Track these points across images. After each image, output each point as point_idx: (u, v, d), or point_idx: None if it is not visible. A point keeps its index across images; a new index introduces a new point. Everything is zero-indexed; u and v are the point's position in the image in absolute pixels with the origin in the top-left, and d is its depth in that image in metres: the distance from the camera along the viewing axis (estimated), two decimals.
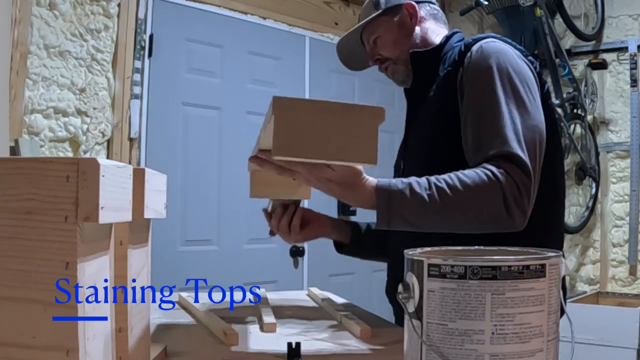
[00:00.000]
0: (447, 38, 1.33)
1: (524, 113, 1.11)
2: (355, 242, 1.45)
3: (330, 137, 0.88)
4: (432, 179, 1.05)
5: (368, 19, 1.36)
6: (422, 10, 1.36)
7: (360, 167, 1.02)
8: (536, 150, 1.10)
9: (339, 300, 1.52)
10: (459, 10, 3.61)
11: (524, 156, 1.07)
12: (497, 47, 1.18)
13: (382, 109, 0.91)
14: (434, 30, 1.36)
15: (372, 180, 1.05)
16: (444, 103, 1.20)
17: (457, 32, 1.35)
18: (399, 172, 1.39)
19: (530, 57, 1.23)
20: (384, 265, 1.48)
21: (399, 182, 1.05)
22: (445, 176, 1.05)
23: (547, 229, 1.20)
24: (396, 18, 1.34)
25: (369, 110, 0.92)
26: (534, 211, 1.08)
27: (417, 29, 1.35)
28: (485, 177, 1.03)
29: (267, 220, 1.37)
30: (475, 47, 1.19)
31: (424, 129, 1.27)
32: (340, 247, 1.48)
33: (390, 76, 1.40)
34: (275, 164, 0.99)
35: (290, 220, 1.33)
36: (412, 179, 1.05)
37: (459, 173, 1.06)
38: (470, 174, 1.05)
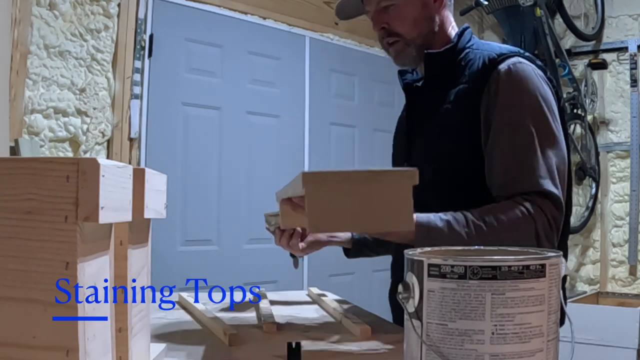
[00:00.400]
0: (459, 36, 1.26)
1: (554, 146, 1.12)
2: (358, 245, 1.46)
3: (364, 207, 0.87)
4: (470, 215, 1.08)
5: None
6: None
7: None
8: (564, 181, 1.14)
9: (338, 299, 1.52)
10: (459, 10, 3.61)
11: (557, 192, 1.10)
12: (525, 72, 1.15)
13: (415, 171, 0.87)
14: (450, 21, 1.30)
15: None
16: (462, 122, 1.18)
17: (467, 28, 1.29)
18: None
19: (549, 75, 1.21)
20: (384, 265, 1.48)
21: (438, 219, 1.07)
22: (482, 211, 1.08)
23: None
24: None
25: (400, 175, 0.89)
26: None
27: (440, 13, 1.26)
28: (520, 214, 1.07)
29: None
30: (502, 69, 1.15)
31: (436, 141, 1.22)
32: (347, 252, 1.50)
33: (393, 54, 1.28)
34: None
35: (289, 239, 1.38)
36: (450, 216, 1.08)
37: (496, 209, 1.09)
38: (505, 210, 1.08)
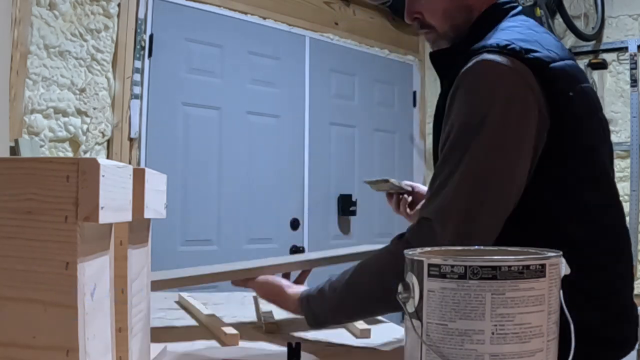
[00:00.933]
0: (478, 24, 1.10)
1: (482, 167, 0.95)
2: None
3: None
4: (341, 285, 1.06)
5: None
6: None
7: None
8: (477, 216, 0.95)
9: None
10: None
11: (437, 218, 0.95)
12: (483, 73, 0.97)
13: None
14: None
15: (296, 293, 1.15)
16: (438, 133, 1.07)
17: (491, 13, 1.10)
18: None
19: (549, 71, 0.98)
20: None
21: (316, 296, 1.11)
22: (351, 275, 1.07)
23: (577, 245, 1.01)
24: None
25: None
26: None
27: (477, 2, 1.11)
28: (379, 270, 1.02)
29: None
30: (463, 70, 0.99)
31: (435, 144, 1.12)
32: None
33: (429, 42, 1.19)
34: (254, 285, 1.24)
35: (398, 207, 1.43)
36: (326, 287, 1.10)
37: (362, 267, 1.07)
38: (369, 266, 1.06)
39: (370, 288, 1.03)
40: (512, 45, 0.98)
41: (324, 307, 1.08)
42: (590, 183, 1.03)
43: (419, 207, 1.36)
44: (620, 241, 1.07)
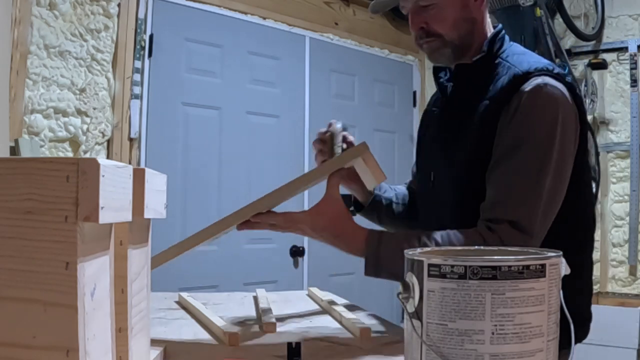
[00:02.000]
0: (490, 42, 1.21)
1: (550, 184, 1.09)
2: (373, 203, 1.45)
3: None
4: (424, 237, 1.09)
5: None
6: None
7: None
8: (547, 220, 1.10)
9: (339, 300, 1.52)
10: None
11: (528, 224, 1.07)
12: (549, 96, 1.10)
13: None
14: (487, 20, 1.25)
15: (362, 231, 1.13)
16: (482, 140, 1.15)
17: (499, 32, 1.24)
18: (427, 179, 1.32)
19: (578, 91, 1.16)
20: None
21: (390, 238, 1.11)
22: (440, 234, 1.09)
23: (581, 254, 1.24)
24: None
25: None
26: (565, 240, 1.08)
27: (478, 15, 1.21)
28: (475, 240, 1.06)
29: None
30: (526, 89, 1.10)
31: (462, 153, 1.19)
32: (357, 208, 1.50)
33: (428, 50, 1.24)
34: (272, 223, 1.13)
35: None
36: (400, 235, 1.12)
37: (454, 234, 1.09)
38: (459, 237, 1.08)
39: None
40: (557, 70, 1.14)
41: (395, 251, 1.04)
42: (586, 186, 1.23)
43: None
44: (591, 235, 1.30)
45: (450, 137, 1.24)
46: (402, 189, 1.50)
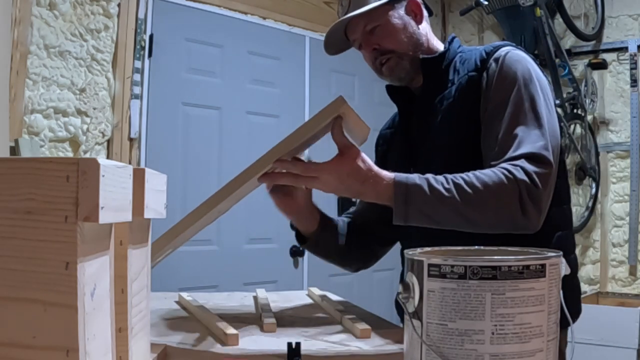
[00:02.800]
0: (449, 43, 1.33)
1: (547, 119, 1.14)
2: (323, 228, 1.35)
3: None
4: (450, 176, 1.07)
5: (374, 5, 1.25)
6: (424, 11, 1.35)
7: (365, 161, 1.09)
8: (556, 151, 1.13)
9: (339, 300, 1.52)
10: (459, 10, 3.61)
11: (547, 153, 1.09)
12: (520, 55, 1.21)
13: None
14: (433, 35, 1.36)
15: (388, 173, 1.08)
16: (468, 106, 1.20)
17: (455, 37, 1.36)
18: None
19: (541, 69, 1.26)
20: (384, 265, 1.47)
21: (416, 177, 1.07)
22: (462, 174, 1.07)
23: (559, 231, 1.21)
24: (401, 11, 1.29)
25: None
26: (547, 215, 1.11)
27: (422, 26, 1.32)
28: (503, 177, 1.05)
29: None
30: (500, 53, 1.21)
31: (442, 137, 1.23)
32: (302, 239, 1.39)
33: (387, 71, 1.30)
34: (294, 173, 1.07)
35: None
36: (429, 175, 1.07)
37: (477, 172, 1.07)
38: (488, 173, 1.06)
39: (484, 192, 1.04)
40: (519, 47, 1.25)
41: (423, 198, 1.04)
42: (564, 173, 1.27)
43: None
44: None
45: (427, 133, 1.28)
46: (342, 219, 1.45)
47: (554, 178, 1.11)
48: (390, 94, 1.39)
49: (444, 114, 1.24)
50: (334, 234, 1.38)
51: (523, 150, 1.09)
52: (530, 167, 1.06)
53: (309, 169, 1.08)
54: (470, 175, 1.06)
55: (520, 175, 1.05)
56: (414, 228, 1.09)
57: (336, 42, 1.41)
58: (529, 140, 1.10)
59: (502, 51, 1.21)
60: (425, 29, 1.33)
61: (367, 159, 1.10)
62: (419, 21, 1.32)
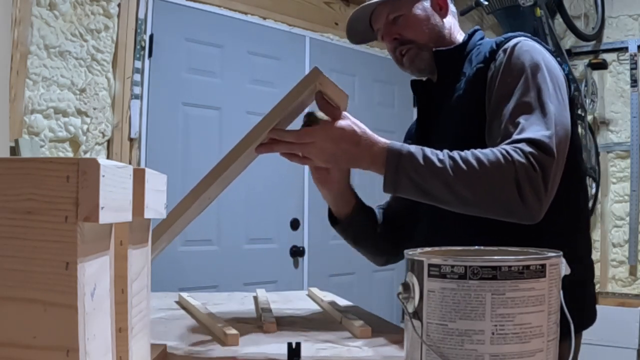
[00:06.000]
0: (470, 35, 1.30)
1: (556, 110, 1.08)
2: (357, 211, 1.34)
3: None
4: (447, 151, 1.03)
5: None
6: (451, 5, 1.33)
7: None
8: (562, 144, 1.07)
9: (339, 300, 1.52)
10: (459, 10, 3.61)
11: (548, 140, 1.03)
12: (530, 44, 1.17)
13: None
14: (458, 29, 1.34)
15: (384, 140, 1.08)
16: (475, 99, 1.17)
17: (478, 30, 1.33)
18: None
19: (558, 59, 1.21)
20: (384, 266, 1.47)
21: (413, 147, 1.05)
22: (461, 152, 1.04)
23: (576, 232, 1.20)
24: (426, 3, 1.29)
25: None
26: (560, 216, 1.08)
27: (446, 20, 1.31)
28: (500, 156, 1.00)
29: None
30: (509, 44, 1.17)
31: (452, 128, 1.22)
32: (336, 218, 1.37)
33: (409, 62, 1.30)
34: (289, 142, 1.06)
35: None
36: (427, 148, 1.05)
37: (476, 150, 1.03)
38: (486, 152, 1.02)
39: (478, 169, 1.00)
40: (535, 38, 1.21)
41: (415, 166, 1.02)
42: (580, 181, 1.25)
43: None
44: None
45: (436, 126, 1.28)
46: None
47: (558, 170, 1.04)
48: (413, 88, 1.38)
49: (452, 107, 1.23)
50: (367, 220, 1.37)
51: (524, 135, 1.03)
52: (529, 149, 1.01)
53: (302, 135, 1.06)
54: (467, 153, 1.03)
55: (518, 156, 1.00)
56: (432, 224, 1.10)
57: (361, 31, 1.40)
58: (532, 129, 1.04)
59: (512, 42, 1.18)
60: (450, 23, 1.32)
61: (360, 123, 1.10)
62: (443, 15, 1.30)
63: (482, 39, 1.29)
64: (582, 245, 1.24)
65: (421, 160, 1.02)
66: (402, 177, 1.03)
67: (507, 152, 1.00)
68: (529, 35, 1.22)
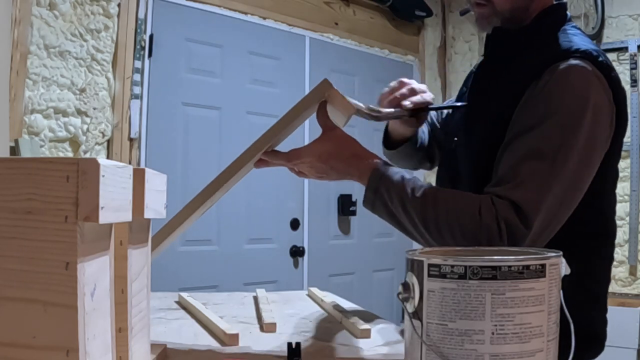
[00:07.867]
0: (541, 16, 1.14)
1: (573, 172, 0.98)
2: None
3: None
4: (427, 186, 1.03)
5: None
6: None
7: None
8: (565, 209, 0.99)
9: (339, 300, 1.52)
10: (459, 10, 3.61)
11: (532, 215, 0.94)
12: (584, 74, 1.00)
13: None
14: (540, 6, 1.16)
15: (374, 157, 1.09)
16: (506, 114, 1.07)
17: (558, 8, 1.15)
18: (451, 140, 1.25)
19: (614, 74, 1.04)
20: (384, 265, 1.47)
21: (397, 173, 1.05)
22: (443, 190, 1.06)
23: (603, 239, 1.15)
24: None
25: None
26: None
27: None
28: (474, 210, 0.96)
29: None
30: (559, 67, 1.01)
31: (481, 125, 1.14)
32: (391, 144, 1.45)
33: (477, 15, 1.23)
34: (283, 160, 1.10)
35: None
36: (410, 176, 1.05)
37: (456, 193, 1.02)
38: (464, 199, 0.99)
39: (447, 208, 0.97)
40: (602, 59, 1.03)
41: (394, 190, 1.01)
42: (615, 183, 1.16)
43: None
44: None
45: (474, 105, 1.19)
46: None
47: (538, 238, 0.97)
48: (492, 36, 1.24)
49: (487, 104, 1.13)
50: (418, 148, 1.43)
51: (513, 193, 0.95)
52: (504, 215, 0.94)
53: (292, 157, 1.10)
54: (447, 193, 1.02)
55: (488, 218, 0.94)
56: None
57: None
58: (525, 187, 0.96)
59: (563, 65, 1.01)
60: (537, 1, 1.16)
61: (353, 139, 1.10)
62: None
63: (554, 23, 1.13)
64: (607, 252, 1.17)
65: (397, 192, 1.02)
66: (377, 200, 1.05)
67: (481, 209, 0.95)
68: (594, 49, 1.04)
